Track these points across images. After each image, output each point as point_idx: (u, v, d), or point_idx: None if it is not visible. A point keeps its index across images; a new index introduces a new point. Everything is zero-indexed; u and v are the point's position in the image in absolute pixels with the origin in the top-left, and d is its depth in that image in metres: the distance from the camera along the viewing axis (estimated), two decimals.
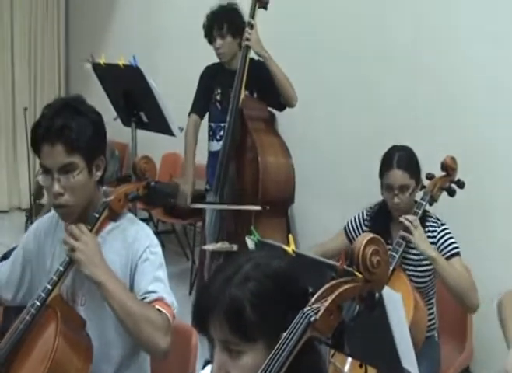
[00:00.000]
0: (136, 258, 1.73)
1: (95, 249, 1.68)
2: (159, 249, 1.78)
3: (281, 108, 3.34)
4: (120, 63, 2.77)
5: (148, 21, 5.68)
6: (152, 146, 5.04)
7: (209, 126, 3.46)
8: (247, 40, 3.06)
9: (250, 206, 2.92)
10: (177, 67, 5.13)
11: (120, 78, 2.90)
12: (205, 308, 1.13)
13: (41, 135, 1.66)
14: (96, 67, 2.95)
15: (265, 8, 3.10)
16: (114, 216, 1.80)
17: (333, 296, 1.13)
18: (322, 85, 3.92)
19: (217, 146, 3.30)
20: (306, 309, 1.10)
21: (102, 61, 2.88)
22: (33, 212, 5.17)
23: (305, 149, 3.92)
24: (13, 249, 2.01)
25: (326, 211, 3.88)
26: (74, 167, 1.67)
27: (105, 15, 6.24)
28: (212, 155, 3.40)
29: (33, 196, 5.14)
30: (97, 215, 1.75)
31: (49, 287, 1.71)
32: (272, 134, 3.09)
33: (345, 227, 2.61)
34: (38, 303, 1.71)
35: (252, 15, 3.08)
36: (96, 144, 1.72)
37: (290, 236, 1.77)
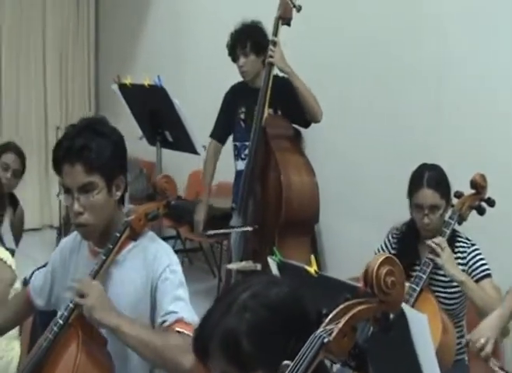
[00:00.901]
0: (156, 277, 1.73)
1: (103, 293, 1.69)
2: (179, 268, 1.78)
3: (306, 124, 3.33)
4: (146, 83, 2.80)
5: (176, 40, 5.73)
6: (178, 164, 5.09)
7: (234, 145, 3.47)
8: (271, 57, 3.06)
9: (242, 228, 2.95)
10: (204, 86, 5.17)
11: (145, 98, 2.93)
12: (203, 339, 1.11)
13: (62, 155, 1.70)
14: (122, 87, 2.98)
15: (289, 24, 3.09)
16: (135, 235, 1.80)
17: (347, 317, 1.11)
18: (350, 100, 3.90)
19: (242, 165, 3.31)
20: (319, 331, 1.07)
21: (128, 81, 2.91)
22: (62, 230, 5.24)
23: (333, 166, 3.91)
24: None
25: (355, 230, 3.83)
26: (93, 187, 1.69)
27: (134, 36, 6.32)
28: (238, 174, 3.40)
29: (63, 214, 5.21)
30: (118, 235, 1.77)
31: (71, 305, 1.72)
32: (296, 153, 3.08)
33: (375, 253, 2.56)
34: (61, 321, 1.73)
35: (275, 32, 3.08)
36: (115, 165, 1.75)
37: (312, 257, 1.76)
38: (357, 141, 3.89)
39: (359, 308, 1.13)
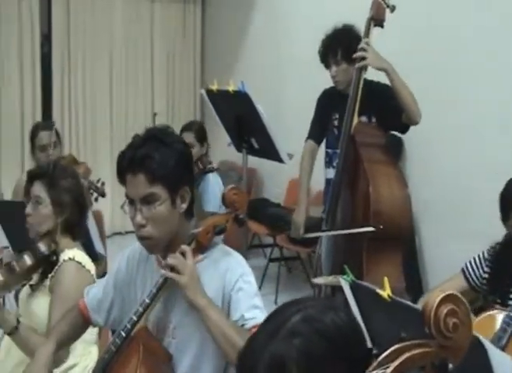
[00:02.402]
0: (229, 288, 1.67)
1: (197, 276, 1.66)
2: (252, 278, 1.71)
3: (403, 129, 3.13)
4: (230, 89, 2.74)
5: (277, 43, 5.74)
6: (278, 172, 5.04)
7: (326, 152, 3.34)
8: (363, 59, 2.88)
9: (362, 228, 2.73)
10: (305, 88, 5.10)
11: (230, 104, 2.88)
12: (249, 361, 0.98)
13: (125, 165, 1.66)
14: (209, 93, 2.95)
15: (381, 26, 2.91)
16: (203, 248, 1.74)
17: (397, 363, 0.95)
18: (449, 107, 3.68)
19: (333, 173, 3.15)
20: None
21: (214, 87, 2.87)
22: None
23: (434, 180, 3.72)
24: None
25: (458, 247, 3.58)
26: (155, 198, 1.64)
27: (237, 40, 6.40)
28: (328, 182, 3.26)
29: None
30: None
31: (134, 318, 1.70)
32: (387, 163, 2.88)
33: (463, 268, 2.35)
34: (123, 334, 1.70)
35: (367, 34, 2.91)
36: (179, 175, 1.68)
37: (385, 279, 1.60)
38: (459, 155, 3.66)
39: (414, 352, 0.96)
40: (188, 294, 1.62)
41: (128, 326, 1.69)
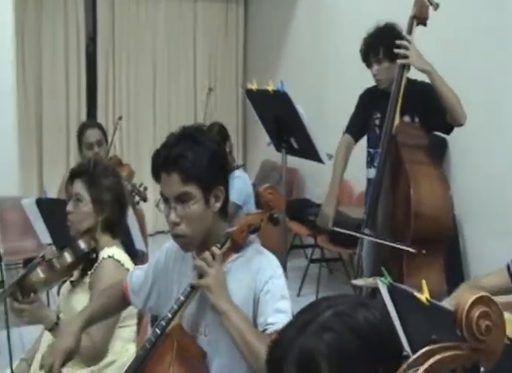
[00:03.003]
0: (259, 289, 1.67)
1: (223, 278, 1.66)
2: (282, 281, 1.71)
3: (447, 130, 3.06)
4: (269, 88, 2.73)
5: (319, 42, 5.71)
6: (320, 172, 5.00)
7: (368, 152, 3.29)
8: (405, 57, 2.83)
9: (402, 245, 2.68)
10: (347, 85, 5.06)
11: (270, 104, 2.87)
12: (276, 358, 0.97)
13: (159, 164, 1.68)
14: (249, 92, 2.94)
15: (424, 24, 2.85)
16: (237, 247, 1.75)
17: (426, 365, 0.93)
18: (495, 108, 3.59)
19: (374, 173, 3.11)
20: None
21: (254, 86, 2.86)
22: None
23: (479, 180, 3.63)
24: None
25: (504, 249, 3.49)
26: (189, 197, 1.65)
27: (280, 41, 6.39)
28: (369, 182, 3.22)
29: None
30: (219, 246, 1.71)
31: (169, 315, 1.71)
32: (430, 164, 2.82)
33: (508, 264, 2.28)
34: (158, 331, 1.72)
35: (409, 32, 2.85)
36: (212, 174, 1.69)
37: (423, 282, 1.57)
38: (504, 156, 3.58)
39: (445, 354, 0.94)
40: (211, 297, 1.63)
41: (163, 324, 1.70)
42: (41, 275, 2.12)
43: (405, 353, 1.00)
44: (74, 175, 2.30)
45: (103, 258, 2.20)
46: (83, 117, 6.38)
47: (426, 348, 0.95)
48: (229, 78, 6.95)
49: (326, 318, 0.95)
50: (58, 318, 2.07)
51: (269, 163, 6.15)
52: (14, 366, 2.34)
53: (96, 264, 2.21)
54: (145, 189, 3.79)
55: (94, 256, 2.24)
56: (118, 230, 2.34)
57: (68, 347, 1.81)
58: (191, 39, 6.80)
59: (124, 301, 1.97)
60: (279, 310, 1.64)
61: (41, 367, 1.85)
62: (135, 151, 6.63)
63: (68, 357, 1.82)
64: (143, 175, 5.58)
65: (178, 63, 6.77)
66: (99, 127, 3.84)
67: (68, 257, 2.18)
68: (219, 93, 6.91)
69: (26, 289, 2.07)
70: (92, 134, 3.74)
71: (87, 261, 2.24)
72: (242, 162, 6.82)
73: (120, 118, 4.77)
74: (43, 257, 2.18)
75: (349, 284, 4.84)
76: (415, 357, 0.95)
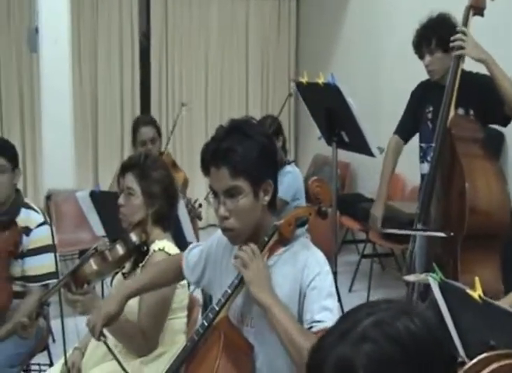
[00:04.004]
0: (305, 285, 1.65)
1: (265, 272, 1.65)
2: (329, 277, 1.68)
3: (505, 122, 2.97)
4: (320, 81, 2.70)
5: (371, 38, 5.63)
6: (373, 166, 4.93)
7: (420, 147, 3.23)
8: (460, 48, 2.75)
9: (436, 232, 2.68)
10: (397, 86, 4.98)
11: (320, 97, 2.84)
12: (315, 365, 0.95)
13: (208, 158, 1.68)
14: (300, 85, 2.92)
15: (481, 14, 2.76)
16: (285, 240, 1.74)
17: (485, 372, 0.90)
18: None
19: (427, 168, 3.04)
20: None
21: (304, 79, 2.84)
22: None
23: None
24: None
25: None
26: (239, 191, 1.65)
27: (332, 37, 6.33)
28: (423, 177, 3.15)
29: None
30: (266, 239, 1.71)
31: (216, 308, 1.72)
32: (486, 158, 2.73)
33: None
34: (205, 323, 1.73)
35: (465, 23, 2.77)
36: (262, 168, 1.68)
37: (476, 279, 1.52)
38: None
39: (504, 362, 0.90)
40: (252, 290, 1.62)
41: (210, 316, 1.71)
42: (94, 266, 2.15)
43: (460, 359, 0.96)
44: (125, 168, 2.32)
45: (154, 251, 2.22)
46: (137, 112, 6.47)
47: (484, 355, 0.92)
48: (281, 73, 6.92)
49: (365, 328, 0.92)
50: None
51: (321, 157, 6.10)
52: (68, 355, 2.39)
53: (147, 257, 2.23)
54: (200, 206, 3.65)
55: (145, 248, 2.26)
56: (169, 223, 2.36)
57: (109, 313, 1.86)
58: (243, 34, 6.80)
59: (179, 274, 1.99)
60: (326, 308, 1.62)
61: (87, 325, 1.90)
62: (188, 145, 6.69)
63: (109, 321, 1.87)
64: (196, 170, 5.65)
65: (230, 58, 6.79)
66: (154, 124, 3.87)
67: (119, 249, 2.20)
68: (271, 88, 6.89)
69: (80, 280, 2.10)
70: (146, 132, 3.78)
71: (138, 254, 2.26)
72: (293, 156, 6.79)
73: (183, 105, 4.71)
74: (96, 249, 2.21)
75: (402, 280, 4.79)
76: (471, 363, 0.92)
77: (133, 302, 2.17)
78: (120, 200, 2.30)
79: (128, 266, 2.32)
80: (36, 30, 5.92)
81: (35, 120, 6.17)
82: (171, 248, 2.25)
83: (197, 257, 1.93)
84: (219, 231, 1.88)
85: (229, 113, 6.73)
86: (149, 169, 2.29)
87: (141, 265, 2.25)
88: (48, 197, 2.76)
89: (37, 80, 6.10)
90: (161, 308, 2.18)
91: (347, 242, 5.76)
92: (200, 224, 4.35)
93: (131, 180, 2.28)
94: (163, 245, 2.23)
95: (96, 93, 6.38)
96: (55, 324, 3.05)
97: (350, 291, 4.82)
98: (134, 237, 2.24)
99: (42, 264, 2.65)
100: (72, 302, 2.08)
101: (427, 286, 2.73)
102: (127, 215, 2.28)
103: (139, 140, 3.78)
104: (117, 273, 2.37)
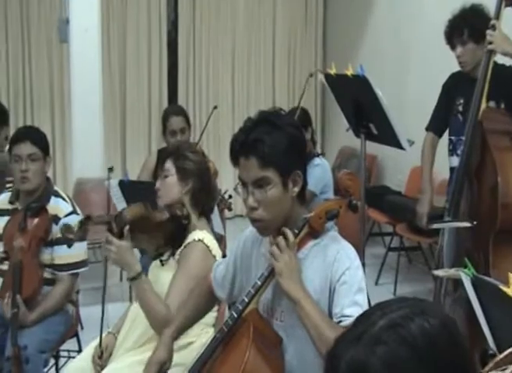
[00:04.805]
0: (335, 280, 1.65)
1: (296, 265, 1.65)
2: (359, 272, 1.67)
3: None
4: (348, 73, 2.68)
5: (399, 32, 5.57)
6: (400, 158, 4.90)
7: (449, 139, 3.21)
8: (490, 43, 2.71)
9: (462, 223, 2.69)
10: (425, 78, 4.92)
11: (349, 88, 2.82)
12: (331, 362, 0.94)
13: (237, 148, 1.69)
14: (328, 77, 2.90)
15: None
16: (315, 233, 1.73)
17: None
18: None
19: (457, 161, 3.01)
20: None
21: (333, 71, 2.82)
22: None
23: None
24: None
25: None
26: (267, 181, 1.65)
27: (359, 28, 6.28)
28: (452, 171, 3.13)
29: None
30: (297, 231, 1.70)
31: (246, 299, 1.72)
32: None
33: None
34: (235, 314, 1.73)
35: (497, 15, 2.72)
36: (291, 159, 1.68)
37: (510, 275, 1.50)
38: None
39: None
40: (282, 282, 1.62)
41: (240, 307, 1.71)
42: (137, 213, 2.17)
43: (490, 351, 0.95)
44: (164, 157, 2.39)
45: (194, 240, 2.24)
46: (164, 101, 6.51)
47: None
48: (308, 64, 6.88)
49: (378, 330, 0.90)
50: (143, 272, 2.13)
51: (348, 150, 6.06)
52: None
53: (185, 243, 2.25)
54: (230, 197, 3.70)
55: (186, 222, 2.28)
56: (206, 211, 2.38)
57: (161, 360, 1.89)
58: (270, 24, 6.78)
59: (212, 297, 2.00)
60: (356, 303, 1.61)
61: None
62: (215, 136, 6.70)
63: (163, 368, 1.89)
64: (223, 162, 5.67)
65: (257, 49, 6.78)
66: (184, 114, 3.89)
67: (163, 213, 2.24)
68: (298, 79, 6.86)
69: (121, 223, 2.14)
70: (176, 122, 3.80)
71: (178, 227, 2.27)
72: (320, 148, 6.76)
73: (215, 107, 4.74)
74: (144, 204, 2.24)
75: (429, 275, 4.76)
76: (502, 355, 0.91)
77: (166, 282, 2.19)
78: (157, 185, 2.36)
79: (166, 255, 2.34)
80: (67, 21, 5.98)
81: (65, 109, 6.24)
82: (210, 241, 2.27)
83: (224, 270, 1.94)
84: (244, 233, 1.91)
85: (255, 103, 6.73)
86: (185, 150, 2.36)
87: (179, 251, 2.27)
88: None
89: (67, 69, 6.17)
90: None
91: (373, 234, 5.73)
92: (227, 214, 4.37)
93: (168, 163, 2.34)
94: (202, 236, 2.25)
95: (124, 82, 6.42)
96: (83, 311, 3.10)
97: (376, 283, 4.81)
98: (176, 209, 2.27)
99: (70, 254, 2.68)
100: (108, 244, 2.10)
101: (456, 281, 2.71)
102: (163, 196, 2.33)
103: (169, 130, 3.80)
104: (154, 259, 2.39)
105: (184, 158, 2.33)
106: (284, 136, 1.66)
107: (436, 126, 3.29)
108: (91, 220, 2.23)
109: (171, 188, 2.32)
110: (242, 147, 1.66)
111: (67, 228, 2.27)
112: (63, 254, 2.69)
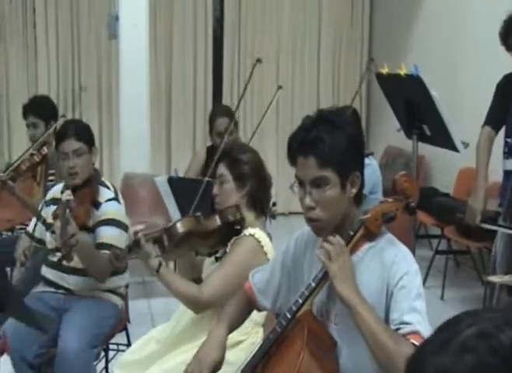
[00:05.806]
0: (393, 284, 1.60)
1: (351, 267, 1.62)
2: (418, 278, 1.64)
3: None
4: (401, 72, 2.63)
5: (450, 31, 5.44)
6: (448, 159, 4.80)
7: (505, 141, 3.13)
8: None
9: None
10: (478, 78, 4.81)
11: (401, 88, 2.77)
12: (412, 371, 0.91)
13: (296, 147, 1.66)
14: (379, 77, 2.86)
15: None
16: (371, 235, 1.69)
17: None
18: None
19: None
20: None
21: (385, 70, 2.77)
22: None
23: None
24: None
25: None
26: (325, 181, 1.63)
27: (407, 27, 6.18)
28: (507, 174, 3.06)
29: None
30: (352, 233, 1.67)
31: (300, 301, 1.69)
32: None
33: None
34: (288, 315, 1.71)
35: None
36: (350, 159, 1.66)
37: None
38: None
39: None
40: (336, 285, 1.58)
41: (294, 308, 1.68)
42: (187, 225, 2.21)
43: None
44: (217, 160, 2.40)
45: (245, 235, 2.25)
46: (209, 98, 6.52)
47: None
48: (354, 66, 6.80)
49: (468, 338, 0.87)
50: (161, 264, 2.15)
51: (393, 149, 5.98)
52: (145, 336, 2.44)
53: (237, 236, 2.26)
54: (274, 204, 3.64)
55: (238, 227, 2.28)
56: (262, 207, 2.37)
57: (215, 361, 1.83)
58: (315, 19, 6.70)
59: (249, 305, 1.95)
60: (415, 309, 1.57)
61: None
62: (259, 135, 6.66)
63: (216, 369, 1.84)
64: (266, 157, 5.64)
65: (302, 48, 6.72)
66: (231, 115, 3.87)
67: (217, 220, 2.26)
68: (343, 74, 6.79)
69: (172, 236, 2.18)
70: (223, 123, 3.80)
71: (231, 232, 2.27)
72: (366, 147, 6.70)
73: (280, 87, 4.58)
74: (194, 215, 2.27)
75: (477, 280, 4.64)
76: None
77: None
78: (214, 190, 2.35)
79: (221, 252, 2.35)
80: (117, 17, 6.05)
81: (112, 105, 6.31)
82: (262, 237, 2.25)
83: (267, 275, 1.89)
84: (295, 235, 1.87)
85: (300, 99, 6.69)
86: (237, 153, 2.34)
87: (229, 243, 2.27)
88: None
89: (116, 65, 6.24)
90: (233, 284, 2.14)
91: (420, 236, 5.64)
92: (281, 210, 4.29)
93: (222, 168, 2.33)
94: (254, 231, 2.25)
95: (170, 78, 6.45)
96: (131, 305, 3.13)
97: (424, 286, 4.71)
98: (229, 215, 2.27)
99: (107, 234, 2.64)
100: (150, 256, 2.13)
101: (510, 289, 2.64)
102: (221, 203, 2.32)
103: (216, 131, 3.80)
104: (210, 255, 2.40)
105: (238, 162, 2.31)
106: (344, 136, 1.63)
107: (493, 120, 3.20)
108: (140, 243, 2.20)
109: (229, 195, 2.31)
110: (301, 146, 1.64)
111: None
112: (101, 235, 2.65)
